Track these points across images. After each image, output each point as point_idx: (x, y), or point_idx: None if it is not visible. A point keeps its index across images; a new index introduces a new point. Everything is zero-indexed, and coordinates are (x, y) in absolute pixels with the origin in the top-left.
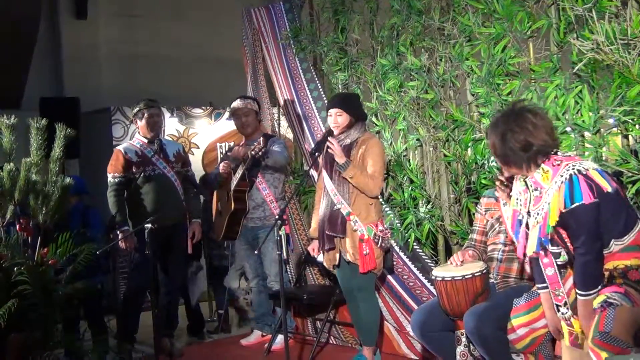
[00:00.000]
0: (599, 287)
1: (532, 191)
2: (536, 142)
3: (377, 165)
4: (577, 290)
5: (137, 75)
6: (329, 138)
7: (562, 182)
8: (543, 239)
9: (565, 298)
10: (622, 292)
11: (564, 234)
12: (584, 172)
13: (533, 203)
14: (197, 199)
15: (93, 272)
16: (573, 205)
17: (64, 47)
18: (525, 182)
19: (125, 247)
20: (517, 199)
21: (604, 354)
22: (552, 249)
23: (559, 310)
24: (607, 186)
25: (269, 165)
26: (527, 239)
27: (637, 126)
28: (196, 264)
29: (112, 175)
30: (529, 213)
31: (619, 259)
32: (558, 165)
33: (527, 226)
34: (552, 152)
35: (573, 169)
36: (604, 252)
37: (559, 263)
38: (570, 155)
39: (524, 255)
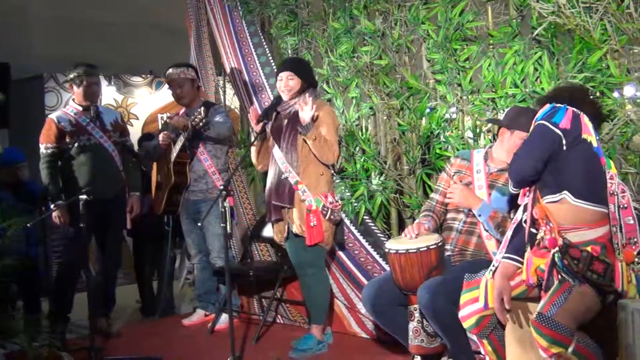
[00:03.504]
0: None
1: None
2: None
3: (331, 132)
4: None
5: (72, 41)
6: (305, 95)
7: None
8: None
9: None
10: (578, 276)
11: None
12: (578, 112)
13: None
14: (137, 171)
15: (25, 248)
16: (544, 122)
17: None
18: None
19: (60, 222)
20: None
21: (543, 342)
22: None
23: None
24: (592, 139)
25: (211, 136)
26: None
27: (597, 93)
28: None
29: (45, 146)
30: None
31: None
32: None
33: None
34: None
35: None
36: (549, 198)
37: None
38: None
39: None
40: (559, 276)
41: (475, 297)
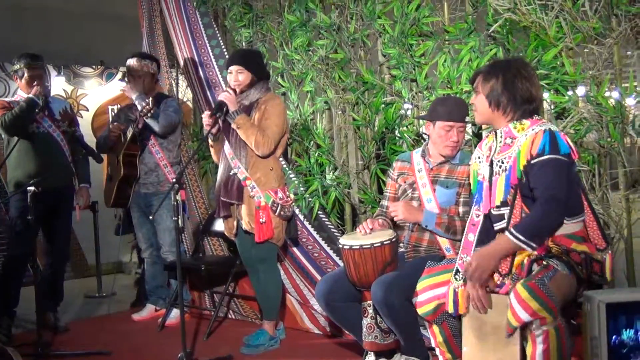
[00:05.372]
0: (537, 247)
1: (500, 140)
2: (537, 98)
3: (272, 122)
4: (516, 232)
5: (20, 28)
6: (226, 89)
7: (538, 131)
8: (513, 185)
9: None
10: (562, 260)
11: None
12: (561, 133)
13: (499, 151)
14: (86, 162)
15: None
16: (556, 156)
17: None
18: (496, 132)
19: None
20: (480, 162)
21: (535, 304)
22: (496, 211)
23: (455, 274)
24: (575, 155)
25: (154, 129)
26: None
27: (552, 91)
28: None
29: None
30: (491, 164)
31: (561, 242)
32: (537, 120)
33: (489, 179)
34: None
35: (551, 127)
36: None
37: (497, 228)
38: None
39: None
40: (543, 263)
41: (437, 283)
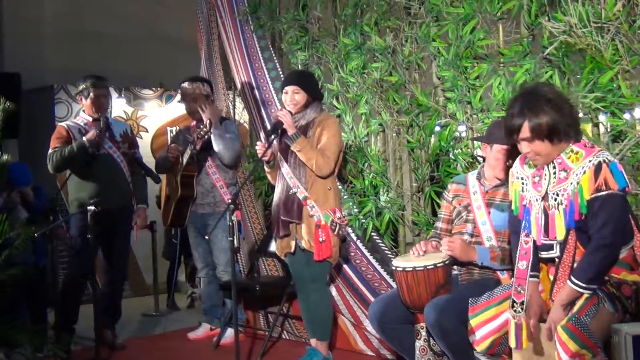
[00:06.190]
0: (596, 289)
1: (555, 172)
2: (576, 119)
3: (330, 143)
4: (575, 279)
5: (82, 53)
6: (281, 109)
7: (597, 164)
8: (576, 220)
9: (524, 297)
10: (611, 295)
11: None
12: (618, 164)
13: (554, 184)
14: (144, 183)
15: (33, 258)
16: (613, 191)
17: (5, 20)
18: (547, 165)
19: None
20: (523, 184)
21: (573, 345)
22: (545, 240)
23: (513, 307)
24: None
25: (231, 157)
26: (545, 223)
27: (608, 114)
28: None
29: (53, 149)
30: (544, 196)
31: (612, 272)
32: (592, 148)
33: (544, 211)
34: None
35: (609, 156)
36: None
37: (544, 256)
38: None
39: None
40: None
41: (490, 317)
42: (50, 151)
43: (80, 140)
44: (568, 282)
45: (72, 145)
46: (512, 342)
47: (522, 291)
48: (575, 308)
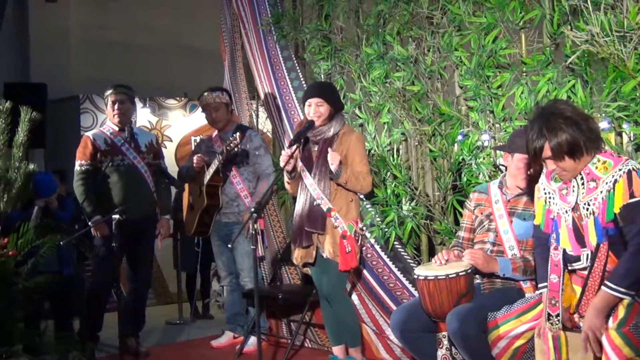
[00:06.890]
0: (635, 294)
1: (584, 183)
2: (596, 133)
3: (364, 161)
4: (613, 285)
5: (108, 63)
6: (330, 150)
7: (627, 171)
8: (610, 229)
9: (559, 309)
10: None
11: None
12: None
13: (584, 194)
14: (168, 193)
15: (58, 266)
16: None
17: (32, 31)
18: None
19: (99, 234)
20: (550, 197)
21: (628, 351)
22: (583, 249)
23: (549, 319)
24: None
25: (244, 161)
26: (577, 233)
27: (631, 123)
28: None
29: (79, 164)
30: (574, 207)
31: None
32: (619, 157)
33: (574, 223)
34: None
35: (636, 164)
36: None
37: (575, 267)
38: None
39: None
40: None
41: (506, 331)
42: (75, 179)
43: (94, 219)
44: (604, 288)
45: (88, 209)
46: (552, 356)
47: (556, 304)
48: (621, 315)
